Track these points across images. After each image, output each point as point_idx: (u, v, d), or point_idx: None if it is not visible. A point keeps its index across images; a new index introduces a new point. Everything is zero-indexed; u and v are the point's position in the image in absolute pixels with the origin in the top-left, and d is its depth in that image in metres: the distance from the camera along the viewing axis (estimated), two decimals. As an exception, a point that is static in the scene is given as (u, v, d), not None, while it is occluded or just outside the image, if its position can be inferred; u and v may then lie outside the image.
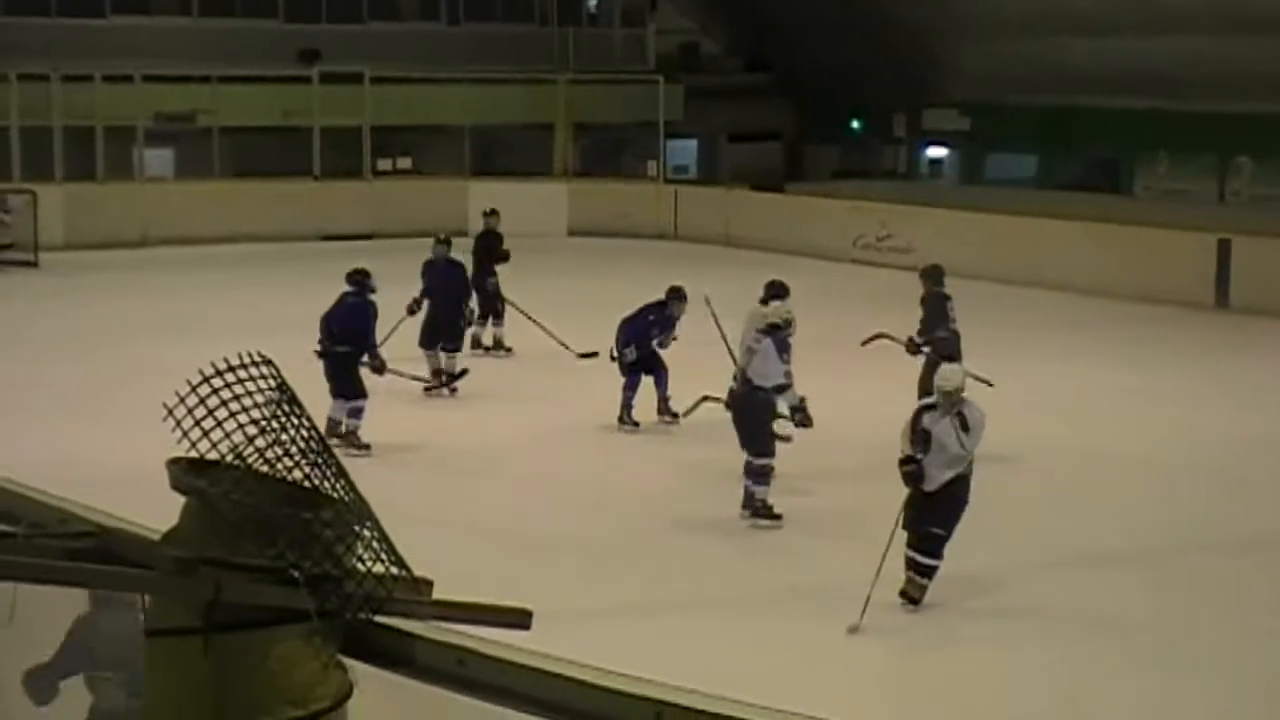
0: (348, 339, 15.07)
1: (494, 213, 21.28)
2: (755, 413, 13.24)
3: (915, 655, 10.42)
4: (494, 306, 20.07)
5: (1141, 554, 12.59)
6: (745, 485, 13.17)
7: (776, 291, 14.97)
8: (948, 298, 15.80)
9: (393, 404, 17.06)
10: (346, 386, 14.95)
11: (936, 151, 37.87)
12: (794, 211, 30.01)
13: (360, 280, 15.41)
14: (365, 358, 15.14)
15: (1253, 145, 30.49)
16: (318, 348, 14.97)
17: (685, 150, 37.84)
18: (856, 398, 16.78)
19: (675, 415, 16.09)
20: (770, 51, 38.91)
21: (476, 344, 19.79)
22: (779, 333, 13.37)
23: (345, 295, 15.40)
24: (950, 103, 35.68)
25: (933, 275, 16.10)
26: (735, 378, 13.59)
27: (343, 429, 14.65)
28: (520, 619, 2.30)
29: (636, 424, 16.04)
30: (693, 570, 12.12)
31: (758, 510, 13.08)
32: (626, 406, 16.01)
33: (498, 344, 20.17)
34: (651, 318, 16.13)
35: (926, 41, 35.04)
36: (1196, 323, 17.48)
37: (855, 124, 38.56)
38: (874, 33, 34.92)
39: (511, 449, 15.54)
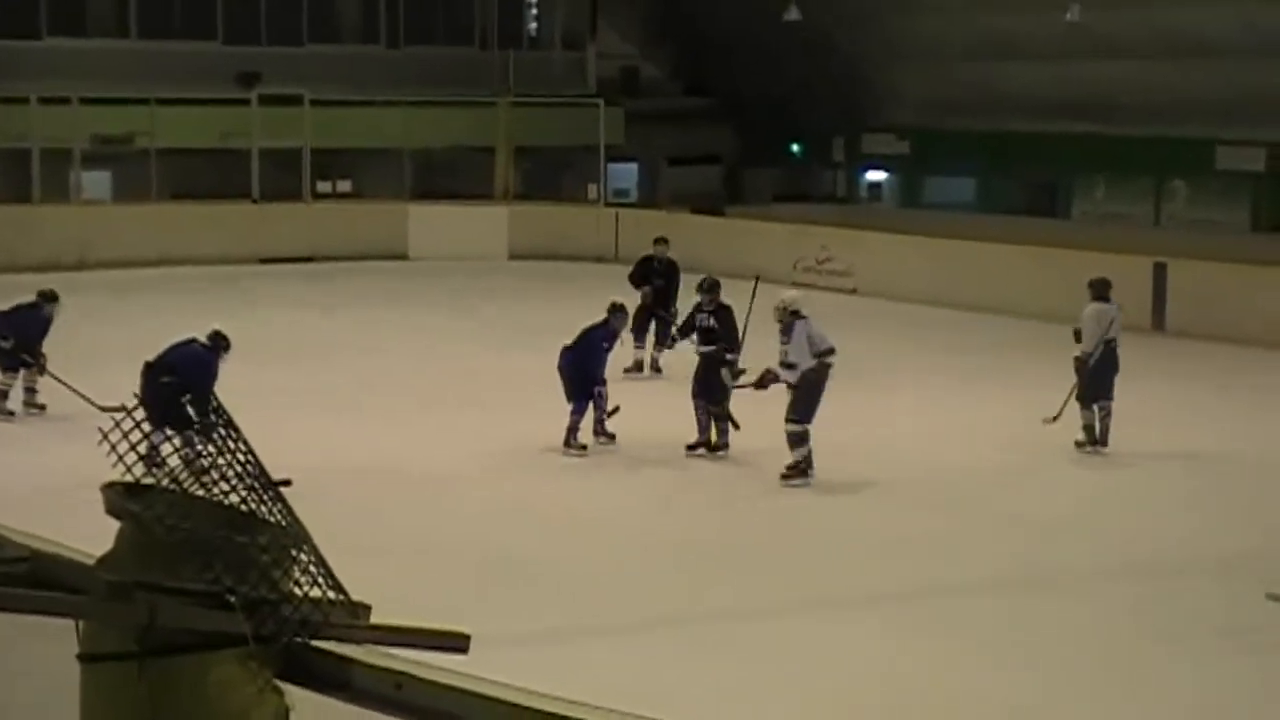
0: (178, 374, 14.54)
1: (664, 240, 21.44)
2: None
3: (863, 677, 10.42)
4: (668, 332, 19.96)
5: (1086, 574, 12.65)
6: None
7: (1100, 293, 16.65)
8: None
9: (337, 429, 17.01)
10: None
11: (876, 175, 38.08)
12: (734, 234, 30.09)
13: (217, 341, 15.14)
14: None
15: (1187, 169, 30.82)
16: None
17: (626, 173, 37.90)
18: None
19: (612, 436, 16.20)
20: (711, 76, 39.04)
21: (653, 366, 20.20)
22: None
23: (193, 341, 15.12)
24: (889, 127, 35.90)
25: None
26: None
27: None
28: (458, 643, 2.30)
29: (584, 447, 16.04)
30: (631, 592, 12.10)
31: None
32: (572, 430, 16.01)
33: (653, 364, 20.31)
34: (604, 344, 16.43)
35: (865, 67, 35.26)
36: (1133, 345, 17.57)
37: (795, 148, 38.74)
38: (813, 58, 35.10)
39: (456, 474, 15.47)
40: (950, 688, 10.28)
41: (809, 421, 14.94)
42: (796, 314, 15.09)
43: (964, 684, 10.33)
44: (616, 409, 16.25)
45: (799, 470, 14.90)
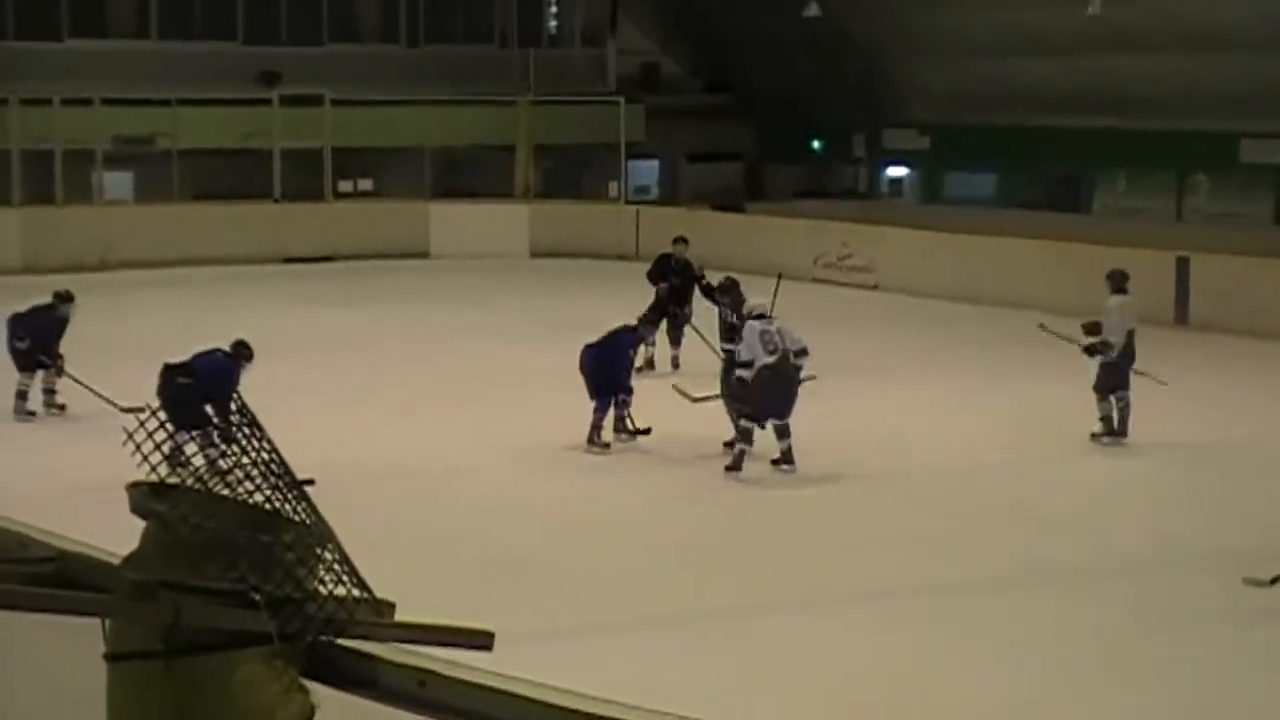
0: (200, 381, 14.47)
1: (683, 239, 21.37)
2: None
3: (864, 673, 10.39)
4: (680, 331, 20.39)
5: (1102, 569, 12.61)
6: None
7: (1119, 285, 16.95)
8: None
9: (355, 426, 17.03)
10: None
11: (896, 171, 38.00)
12: (755, 231, 30.07)
13: (239, 350, 15.10)
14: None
15: (1209, 163, 30.70)
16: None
17: (646, 171, 37.88)
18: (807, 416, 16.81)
19: (634, 434, 16.21)
20: (731, 72, 39.01)
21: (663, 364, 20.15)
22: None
23: (216, 350, 15.07)
24: (909, 122, 35.82)
25: None
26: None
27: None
28: (482, 640, 2.30)
29: (607, 445, 16.03)
30: (657, 590, 12.09)
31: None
32: (596, 428, 16.00)
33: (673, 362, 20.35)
34: (630, 349, 16.62)
35: (885, 62, 35.18)
36: (1156, 340, 17.53)
37: (815, 144, 38.67)
38: (833, 54, 35.04)
39: (478, 471, 15.48)
40: (951, 684, 10.24)
41: (766, 420, 15.22)
42: (754, 316, 15.64)
43: (965, 680, 10.30)
44: (648, 430, 16.23)
45: (738, 464, 15.16)
